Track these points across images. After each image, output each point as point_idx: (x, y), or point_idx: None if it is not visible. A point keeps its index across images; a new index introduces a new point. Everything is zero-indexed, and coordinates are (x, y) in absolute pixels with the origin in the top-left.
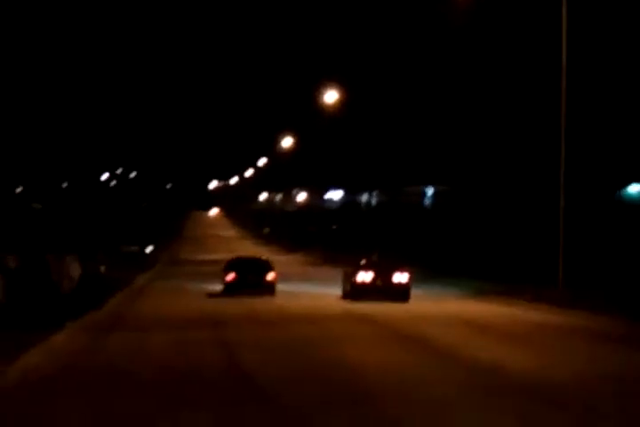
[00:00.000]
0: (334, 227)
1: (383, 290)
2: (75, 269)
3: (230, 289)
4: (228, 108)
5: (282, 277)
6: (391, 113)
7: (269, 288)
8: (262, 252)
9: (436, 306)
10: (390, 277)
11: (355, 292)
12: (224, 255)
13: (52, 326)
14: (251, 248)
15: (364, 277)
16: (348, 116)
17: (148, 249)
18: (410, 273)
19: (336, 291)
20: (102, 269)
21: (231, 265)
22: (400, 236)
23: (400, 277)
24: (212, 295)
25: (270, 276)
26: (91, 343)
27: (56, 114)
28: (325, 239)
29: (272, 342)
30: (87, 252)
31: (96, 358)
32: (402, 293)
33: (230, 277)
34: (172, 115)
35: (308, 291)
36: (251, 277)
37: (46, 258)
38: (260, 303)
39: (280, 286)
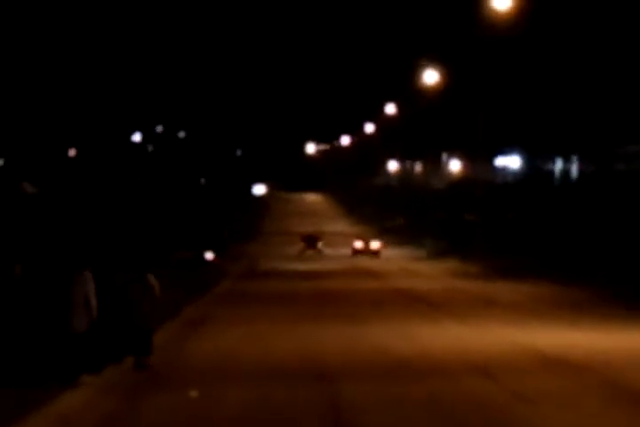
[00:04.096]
0: (510, 215)
1: (366, 252)
2: (92, 292)
3: (302, 251)
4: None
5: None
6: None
7: (320, 250)
8: (390, 261)
9: None
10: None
11: (353, 253)
12: (335, 266)
13: (60, 381)
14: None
15: (358, 244)
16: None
17: (209, 255)
18: (382, 242)
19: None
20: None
21: (302, 238)
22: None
23: (375, 245)
24: (311, 330)
25: (320, 244)
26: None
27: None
28: (494, 236)
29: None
30: (108, 263)
31: None
32: (376, 254)
33: (301, 245)
34: (234, 52)
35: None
36: (311, 245)
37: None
38: (390, 338)
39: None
